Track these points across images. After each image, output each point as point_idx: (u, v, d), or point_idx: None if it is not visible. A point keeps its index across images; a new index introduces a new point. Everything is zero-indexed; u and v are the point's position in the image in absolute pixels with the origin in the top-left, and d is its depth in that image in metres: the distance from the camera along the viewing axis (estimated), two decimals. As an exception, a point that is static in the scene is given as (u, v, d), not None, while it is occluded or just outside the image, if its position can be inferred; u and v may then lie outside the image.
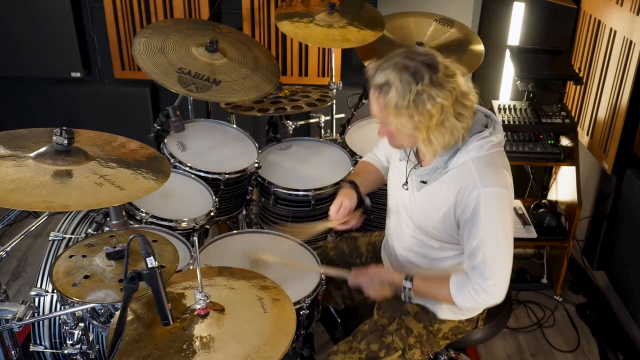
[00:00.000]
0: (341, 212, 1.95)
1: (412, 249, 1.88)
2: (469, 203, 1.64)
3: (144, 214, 2.18)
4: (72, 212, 2.25)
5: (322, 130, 3.01)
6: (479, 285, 1.68)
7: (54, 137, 1.58)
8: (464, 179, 1.66)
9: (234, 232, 2.25)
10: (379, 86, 1.59)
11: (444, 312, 1.90)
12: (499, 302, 1.71)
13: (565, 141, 2.92)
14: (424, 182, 1.75)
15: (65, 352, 1.85)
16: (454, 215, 1.70)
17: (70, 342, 1.82)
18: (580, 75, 2.95)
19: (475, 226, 1.65)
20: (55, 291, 1.96)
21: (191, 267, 1.95)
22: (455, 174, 1.68)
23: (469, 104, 1.63)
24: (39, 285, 2.08)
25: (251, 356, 1.41)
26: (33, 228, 1.94)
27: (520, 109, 2.92)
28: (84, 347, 1.84)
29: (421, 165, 1.78)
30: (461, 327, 1.94)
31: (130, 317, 1.52)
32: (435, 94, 1.55)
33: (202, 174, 2.42)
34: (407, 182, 1.81)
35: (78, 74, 3.52)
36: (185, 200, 2.34)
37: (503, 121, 2.83)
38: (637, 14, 2.62)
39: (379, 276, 1.86)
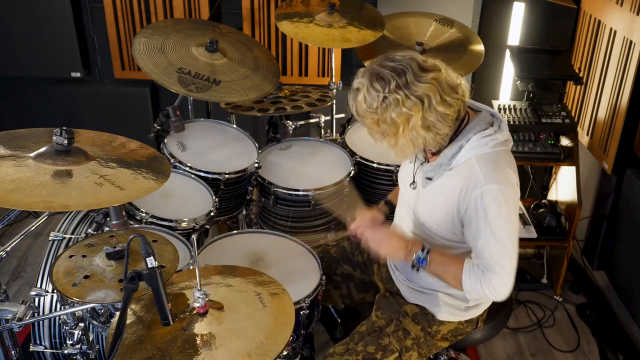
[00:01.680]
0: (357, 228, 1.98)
1: None
2: (471, 201, 1.64)
3: (144, 214, 2.18)
4: (72, 212, 2.25)
5: (322, 130, 3.01)
6: (489, 280, 1.65)
7: (54, 137, 1.59)
8: (467, 176, 1.65)
9: (234, 232, 2.25)
10: (352, 90, 1.64)
11: (443, 314, 1.90)
12: (502, 299, 1.70)
13: (565, 141, 2.92)
14: (429, 179, 1.75)
15: (65, 352, 1.86)
16: (457, 213, 1.69)
17: (70, 342, 1.82)
18: (580, 75, 2.95)
19: (479, 225, 1.64)
20: (55, 291, 1.97)
21: (191, 267, 1.95)
22: (459, 170, 1.68)
23: (455, 100, 1.60)
24: (39, 285, 2.08)
25: (253, 351, 1.42)
26: (33, 228, 1.94)
27: (520, 109, 2.92)
28: (84, 347, 1.84)
29: (428, 162, 1.78)
30: (461, 328, 1.94)
31: (130, 319, 1.53)
32: (402, 101, 1.55)
33: (202, 174, 2.42)
34: (414, 180, 1.82)
35: (78, 74, 3.52)
36: (185, 200, 2.34)
37: (503, 121, 2.83)
38: (637, 14, 2.62)
39: (390, 233, 1.78)
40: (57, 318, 2.07)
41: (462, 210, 1.67)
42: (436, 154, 1.75)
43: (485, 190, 1.61)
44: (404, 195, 1.91)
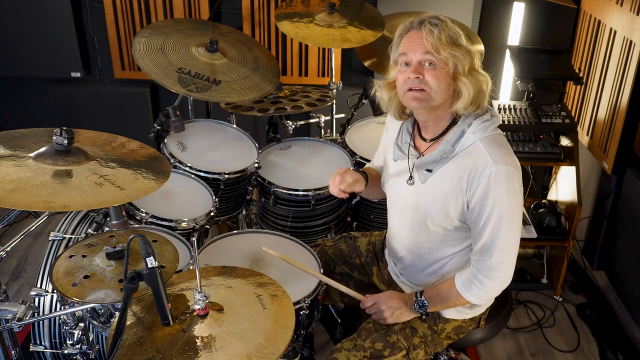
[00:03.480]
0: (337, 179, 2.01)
1: (414, 251, 1.89)
2: (481, 182, 1.66)
3: (144, 214, 2.18)
4: (72, 212, 2.25)
5: (322, 130, 3.01)
6: (485, 267, 1.71)
7: (54, 137, 1.59)
8: (474, 159, 1.68)
9: (234, 232, 2.25)
10: (435, 19, 1.70)
11: (449, 311, 1.90)
12: (505, 285, 1.75)
13: (565, 141, 2.92)
14: (429, 171, 1.76)
15: (65, 352, 1.85)
16: (465, 196, 1.70)
17: (70, 342, 1.82)
18: (580, 75, 2.95)
19: (485, 203, 1.66)
20: (55, 291, 1.97)
21: (191, 268, 1.95)
22: (465, 155, 1.70)
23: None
24: (39, 285, 2.08)
25: (253, 353, 1.42)
26: (33, 228, 1.94)
27: (520, 109, 2.92)
28: (84, 347, 1.84)
29: (423, 155, 1.78)
30: (464, 326, 1.94)
31: (130, 320, 1.52)
32: (471, 45, 1.72)
33: (202, 174, 2.42)
34: (411, 176, 1.82)
35: (78, 74, 3.52)
36: (185, 200, 2.34)
37: (503, 121, 2.84)
38: (637, 14, 2.62)
39: (390, 303, 1.88)
40: (57, 318, 2.07)
41: (471, 193, 1.69)
42: (434, 141, 1.77)
43: (494, 170, 1.64)
44: (398, 196, 1.89)
